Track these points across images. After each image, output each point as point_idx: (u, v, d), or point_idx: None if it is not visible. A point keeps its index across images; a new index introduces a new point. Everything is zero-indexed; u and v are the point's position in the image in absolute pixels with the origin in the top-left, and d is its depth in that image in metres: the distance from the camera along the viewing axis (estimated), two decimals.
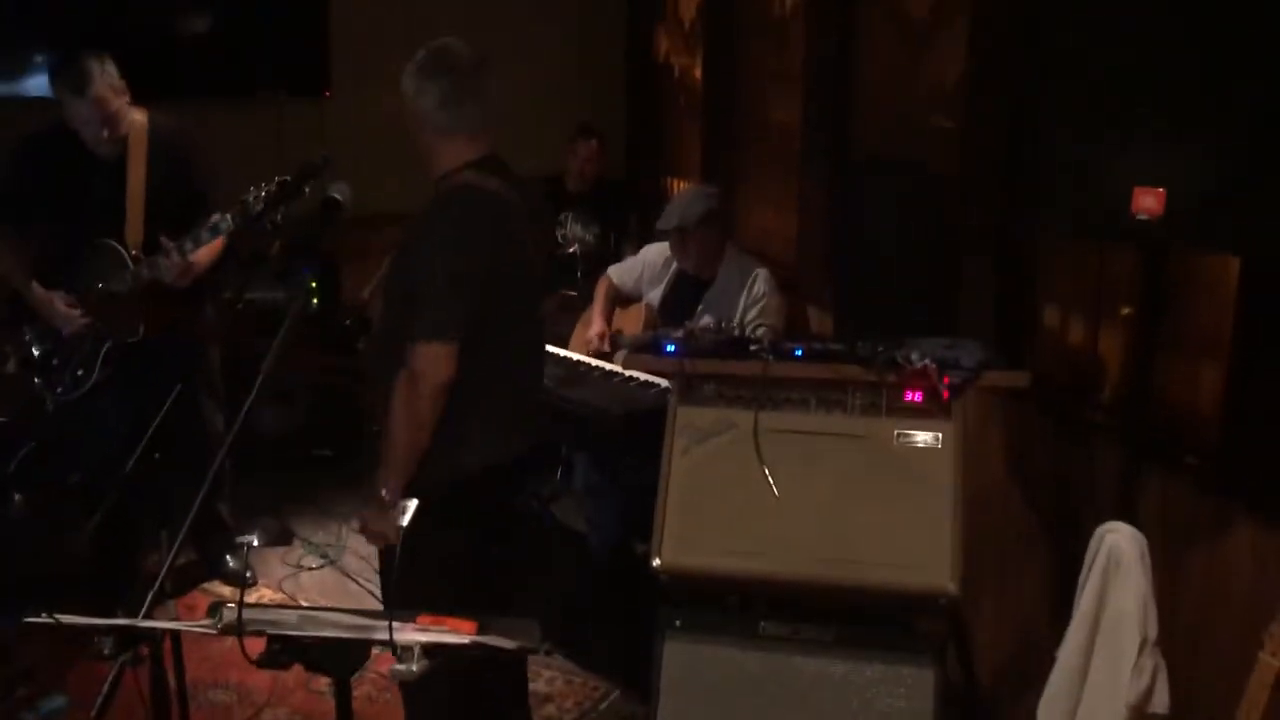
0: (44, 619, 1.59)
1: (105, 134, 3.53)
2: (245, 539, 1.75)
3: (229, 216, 3.34)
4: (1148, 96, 2.09)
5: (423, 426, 2.53)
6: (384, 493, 2.54)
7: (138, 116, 3.63)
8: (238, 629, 1.58)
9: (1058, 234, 2.56)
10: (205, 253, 3.55)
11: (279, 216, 3.02)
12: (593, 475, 4.07)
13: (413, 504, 1.74)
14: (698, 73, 5.36)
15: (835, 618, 2.68)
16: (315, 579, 4.23)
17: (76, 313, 3.59)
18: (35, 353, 3.67)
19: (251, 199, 3.20)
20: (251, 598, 4.02)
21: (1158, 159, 2.09)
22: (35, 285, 3.61)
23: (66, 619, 1.60)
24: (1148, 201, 2.10)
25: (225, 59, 5.48)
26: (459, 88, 2.56)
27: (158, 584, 1.92)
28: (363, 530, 2.72)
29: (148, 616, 1.88)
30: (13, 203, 3.66)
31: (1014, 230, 2.97)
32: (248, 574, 4.11)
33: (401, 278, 2.59)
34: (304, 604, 4.03)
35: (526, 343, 2.81)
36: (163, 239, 3.47)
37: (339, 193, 2.44)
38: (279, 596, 4.11)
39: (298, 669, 3.20)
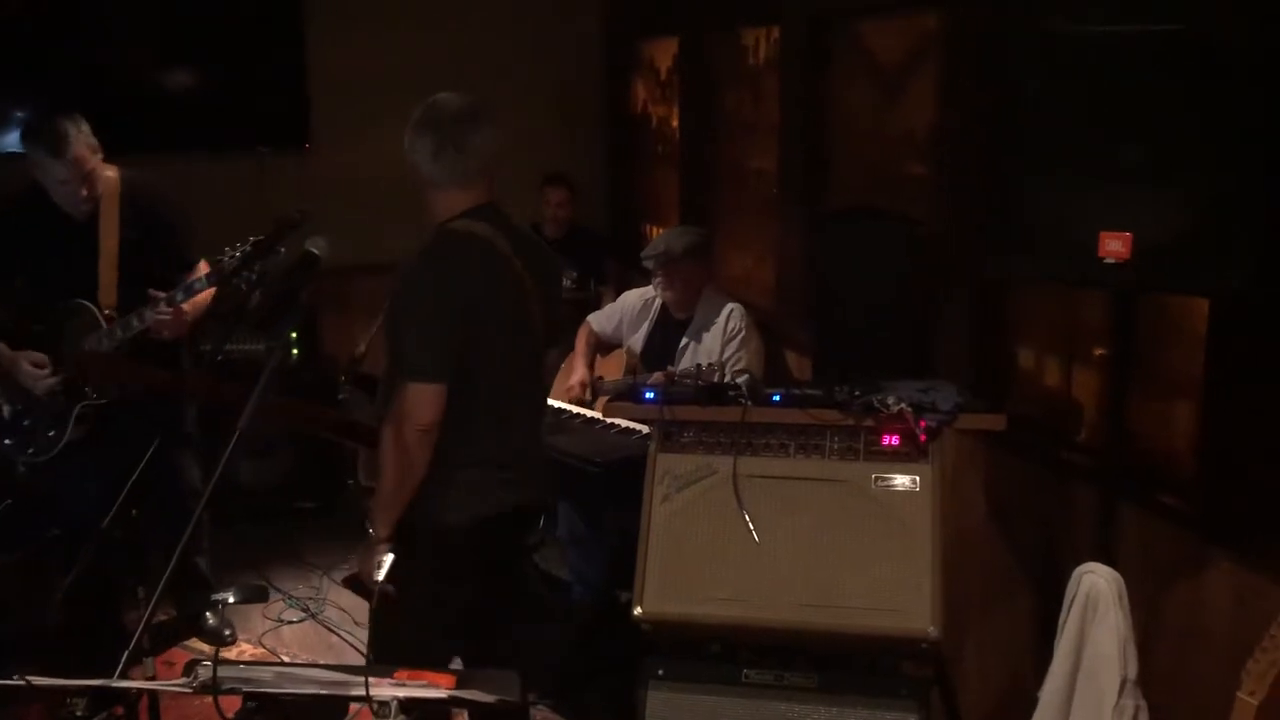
0: (14, 681, 1.57)
1: (84, 193, 3.50)
2: (220, 597, 1.74)
3: (204, 277, 3.35)
4: (1115, 141, 2.12)
5: (409, 467, 2.56)
6: (370, 529, 2.56)
7: (109, 173, 3.60)
8: (213, 688, 1.57)
9: (1029, 278, 2.59)
10: (197, 304, 3.51)
11: (256, 272, 3.02)
12: (576, 524, 4.07)
13: (389, 558, 1.74)
14: (675, 122, 5.42)
15: (818, 663, 2.68)
16: (296, 633, 4.19)
17: (45, 372, 3.54)
18: (4, 413, 3.61)
19: (226, 258, 3.20)
20: (231, 653, 3.98)
21: (1125, 203, 2.13)
22: (2, 346, 3.56)
23: (38, 680, 1.59)
24: (1114, 245, 2.13)
25: (205, 113, 5.51)
26: (447, 140, 2.61)
27: (134, 642, 1.91)
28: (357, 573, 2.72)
29: (123, 675, 1.87)
30: None
31: (988, 275, 3.00)
32: (227, 632, 4.07)
33: (391, 325, 2.63)
34: (284, 658, 3.99)
35: (527, 390, 2.81)
36: (151, 291, 3.44)
37: (316, 247, 2.45)
38: (259, 652, 4.06)
39: None
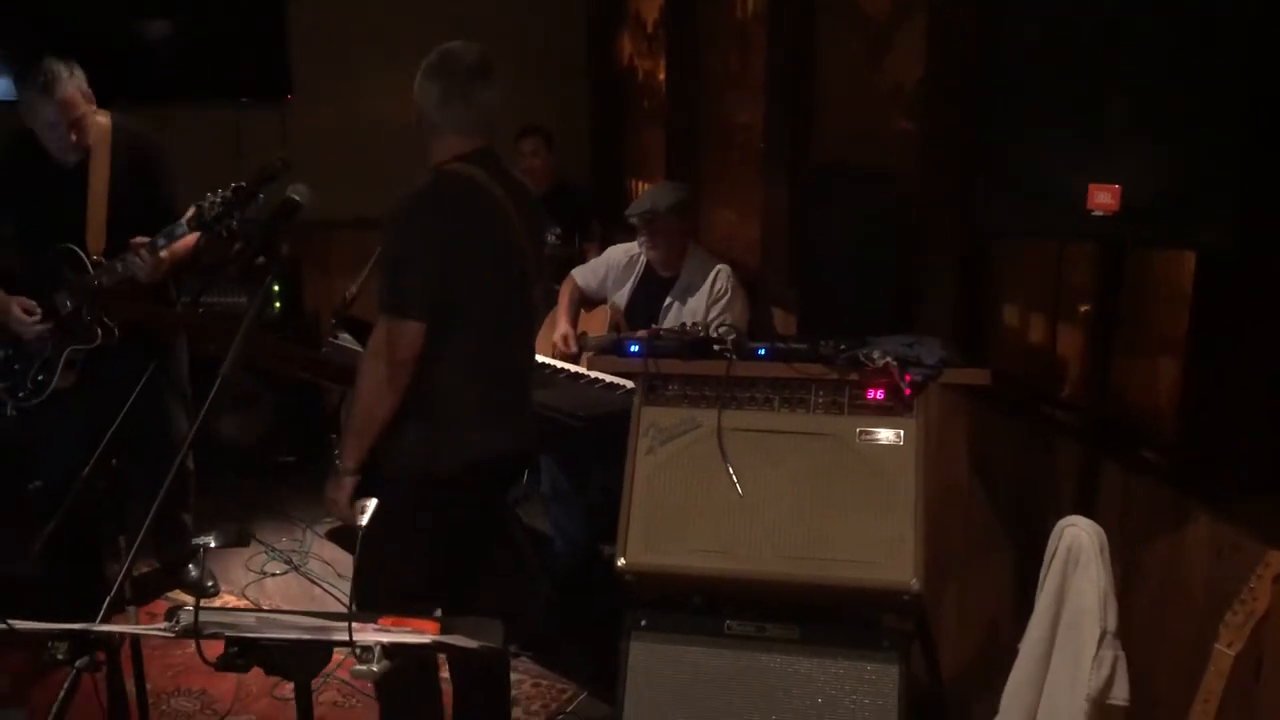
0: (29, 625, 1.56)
1: (72, 139, 3.48)
2: (201, 541, 1.73)
3: (184, 222, 3.33)
4: (1104, 94, 2.11)
5: (381, 400, 2.58)
6: (337, 460, 2.60)
7: (100, 120, 3.58)
8: (194, 632, 1.56)
9: (1015, 233, 2.58)
10: (176, 250, 3.51)
11: (236, 220, 2.99)
12: (558, 479, 4.07)
13: (371, 503, 1.73)
14: (661, 76, 5.37)
15: (800, 616, 2.69)
16: (279, 585, 4.19)
17: (34, 319, 3.54)
18: None
19: (207, 204, 3.17)
20: (214, 605, 3.97)
21: (1113, 158, 2.11)
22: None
23: (20, 624, 1.58)
24: (1103, 198, 2.12)
25: (185, 63, 5.45)
26: (455, 91, 2.65)
27: (115, 588, 1.90)
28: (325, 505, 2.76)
29: (104, 622, 1.86)
30: None
31: (974, 230, 2.99)
32: (209, 583, 4.07)
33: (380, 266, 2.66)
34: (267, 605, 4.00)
35: (518, 338, 2.83)
36: (134, 239, 3.43)
37: (298, 193, 2.41)
38: (242, 603, 4.06)
39: (261, 676, 3.19)
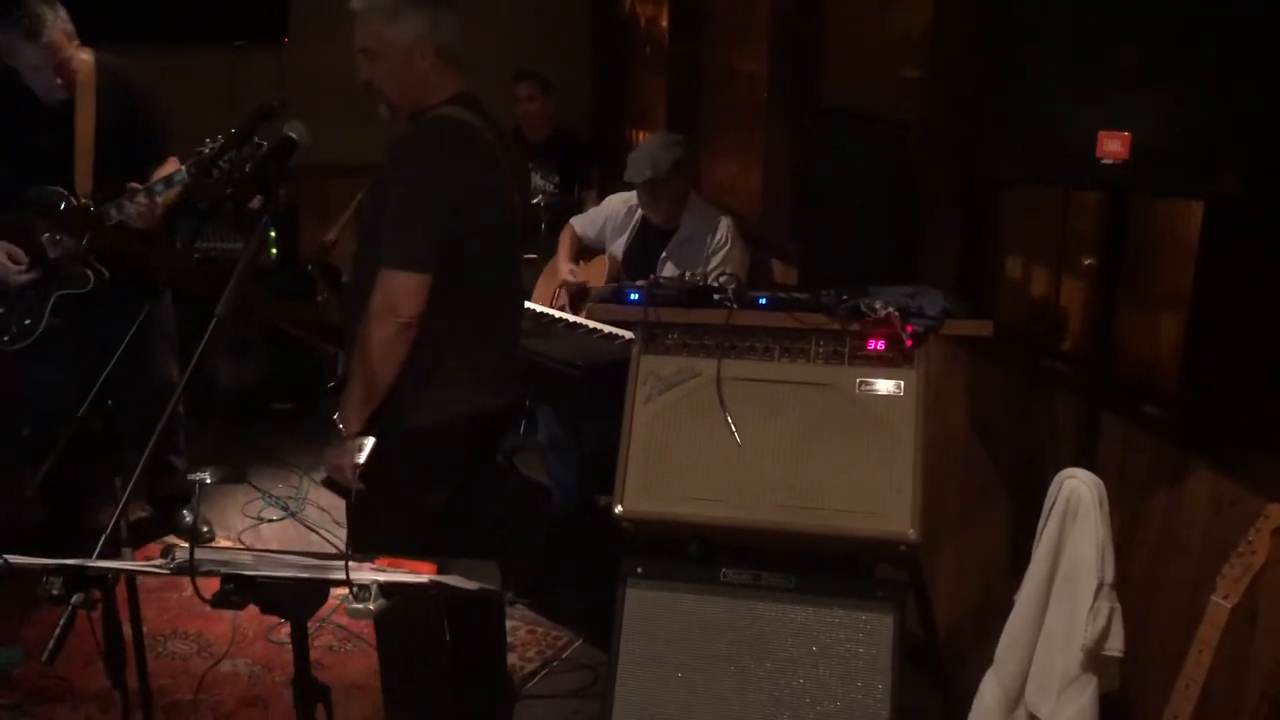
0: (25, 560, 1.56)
1: (58, 81, 3.43)
2: (197, 477, 1.72)
3: (184, 169, 3.29)
4: (1114, 41, 2.08)
5: (388, 361, 2.47)
6: (339, 425, 2.48)
7: (85, 57, 3.51)
8: (190, 569, 1.55)
9: (1023, 178, 2.55)
10: (170, 196, 3.46)
11: (229, 161, 2.96)
12: (556, 429, 4.06)
13: (369, 441, 1.72)
14: (664, 23, 5.30)
15: (796, 565, 2.69)
16: (275, 531, 4.19)
17: (20, 266, 3.48)
18: None
19: (208, 150, 3.14)
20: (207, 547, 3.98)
21: (1122, 104, 2.08)
22: None
23: (16, 560, 1.57)
24: (1113, 145, 2.09)
25: (179, 4, 5.36)
26: (440, 20, 2.53)
27: (110, 527, 1.89)
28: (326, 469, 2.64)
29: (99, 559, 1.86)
30: None
31: (979, 179, 2.96)
32: (204, 528, 4.07)
33: (375, 213, 2.53)
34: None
35: (508, 290, 2.77)
36: (131, 184, 3.39)
37: (295, 131, 2.38)
38: (237, 548, 4.07)
39: (258, 619, 3.20)
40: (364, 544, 2.32)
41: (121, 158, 3.47)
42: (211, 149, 3.15)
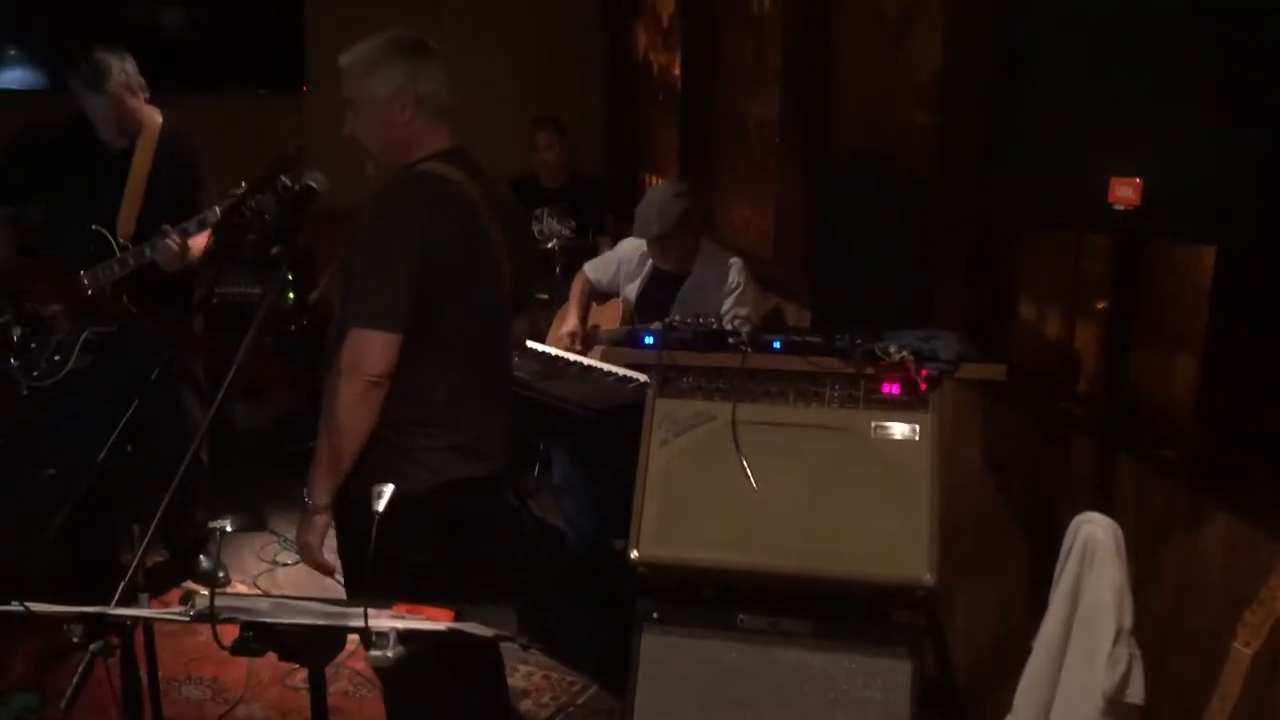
0: (13, 607, 1.56)
1: (117, 130, 3.58)
2: (217, 525, 1.73)
3: (216, 209, 3.38)
4: (1125, 85, 2.10)
5: (355, 422, 2.35)
6: (307, 497, 2.39)
7: (154, 116, 3.68)
8: (210, 616, 1.56)
9: (1034, 225, 2.56)
10: (199, 242, 3.56)
11: (251, 208, 2.99)
12: (570, 471, 4.07)
13: (388, 488, 1.72)
14: (676, 69, 5.36)
15: (813, 610, 2.68)
16: (291, 575, 4.20)
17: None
18: (15, 335, 3.66)
19: (237, 198, 3.18)
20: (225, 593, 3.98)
21: (1134, 149, 2.10)
22: (21, 266, 3.65)
23: (37, 607, 1.58)
24: (1124, 192, 2.11)
25: (202, 53, 5.46)
26: (417, 70, 2.48)
27: (129, 574, 1.90)
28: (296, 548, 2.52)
29: (119, 607, 1.86)
30: (14, 187, 3.68)
31: (991, 222, 2.98)
32: (221, 573, 4.08)
33: (349, 269, 2.45)
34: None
35: (493, 357, 2.70)
36: (164, 226, 3.49)
37: (316, 181, 2.42)
38: (254, 593, 4.07)
39: (273, 664, 3.19)
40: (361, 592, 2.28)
41: (165, 213, 3.56)
42: (238, 195, 3.20)
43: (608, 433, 3.52)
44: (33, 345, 3.63)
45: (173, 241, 3.46)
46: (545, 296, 4.94)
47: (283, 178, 2.94)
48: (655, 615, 2.75)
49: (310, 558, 2.48)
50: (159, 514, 2.07)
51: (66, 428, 3.70)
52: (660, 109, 5.61)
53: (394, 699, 2.75)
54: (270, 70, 5.55)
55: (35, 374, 3.62)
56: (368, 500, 2.02)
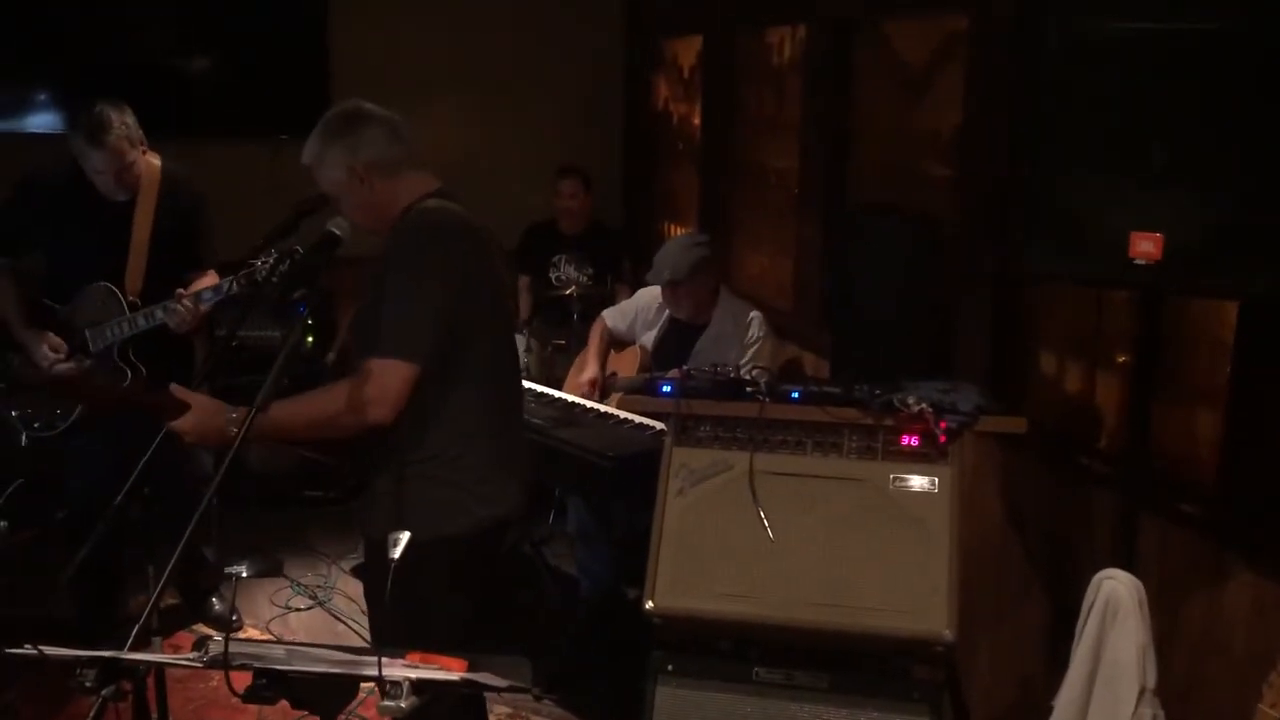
0: (27, 650, 1.56)
1: (115, 185, 3.51)
2: (233, 570, 1.72)
3: (232, 281, 3.33)
4: (1146, 141, 2.10)
5: (334, 433, 2.41)
6: (232, 413, 2.33)
7: (152, 161, 3.62)
8: (223, 663, 1.55)
9: (1055, 279, 2.56)
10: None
11: (272, 254, 3.01)
12: (585, 519, 4.05)
13: (404, 536, 1.72)
14: (696, 119, 5.40)
15: (830, 664, 2.65)
16: (303, 620, 4.17)
17: (58, 356, 3.53)
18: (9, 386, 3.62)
19: (259, 265, 3.16)
20: (240, 638, 3.96)
21: (1155, 204, 2.10)
22: (22, 320, 3.57)
23: (50, 650, 1.57)
24: (1145, 246, 2.10)
25: (224, 98, 5.52)
26: (393, 131, 2.51)
27: (143, 618, 1.89)
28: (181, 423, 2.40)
29: (132, 652, 1.85)
30: (14, 237, 3.64)
31: (1011, 275, 2.97)
32: (234, 617, 4.06)
33: (372, 310, 2.44)
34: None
35: (516, 376, 2.75)
36: (179, 290, 3.46)
37: (338, 227, 2.43)
38: (266, 638, 4.05)
39: (284, 711, 3.15)
40: (390, 638, 2.26)
41: (170, 262, 3.54)
42: (264, 264, 3.16)
43: (624, 480, 3.51)
44: (39, 397, 3.59)
45: (184, 307, 3.42)
46: (562, 342, 4.95)
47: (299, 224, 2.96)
48: (670, 667, 2.71)
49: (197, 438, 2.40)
50: (174, 558, 2.06)
51: (78, 472, 3.68)
52: (679, 159, 5.65)
53: None
54: (294, 116, 5.60)
55: (36, 425, 3.59)
56: (429, 540, 2.06)
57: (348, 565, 4.53)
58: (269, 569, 4.36)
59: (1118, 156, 2.15)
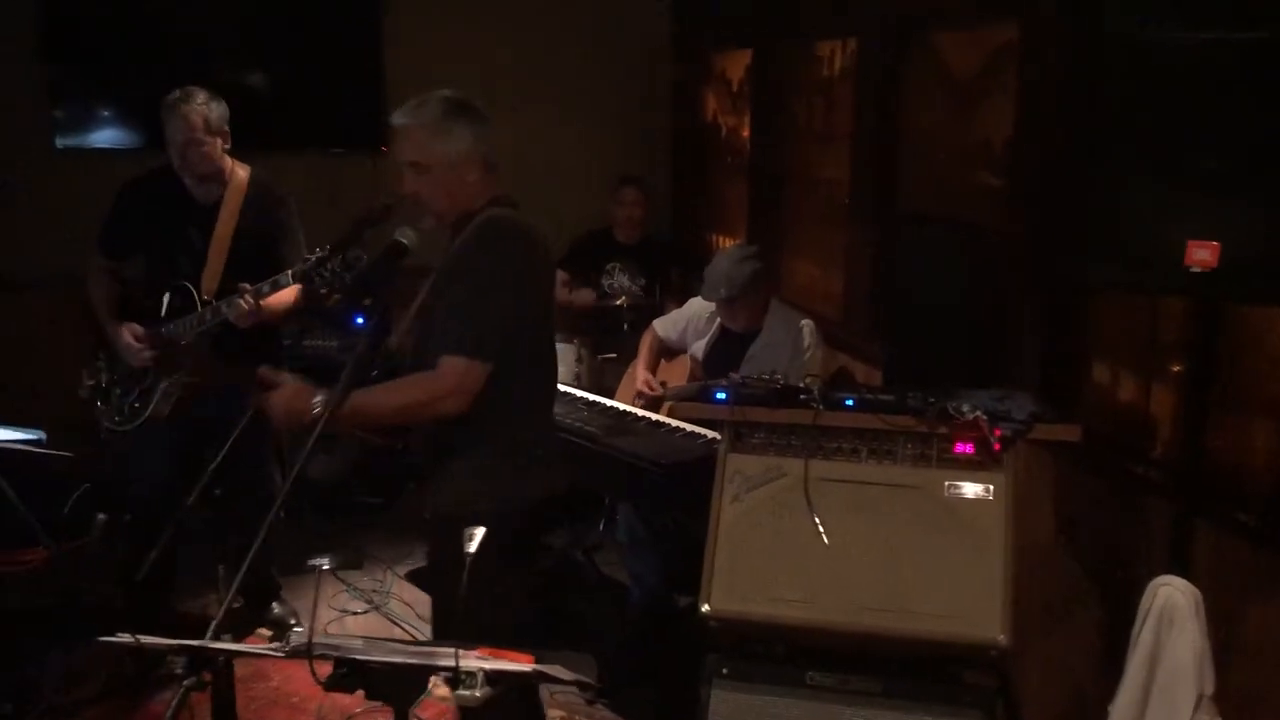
0: (125, 639, 1.63)
1: (182, 163, 3.61)
2: (317, 562, 1.79)
3: (289, 274, 3.43)
4: (1201, 149, 2.12)
5: (409, 422, 2.69)
6: (316, 405, 2.47)
7: (240, 171, 3.75)
8: (306, 652, 1.61)
9: (1110, 287, 2.58)
10: (275, 300, 3.59)
11: (337, 266, 3.09)
12: (635, 526, 4.09)
13: (480, 531, 1.77)
14: (745, 132, 5.45)
15: (883, 669, 2.68)
16: (360, 624, 4.24)
17: (141, 345, 3.67)
18: (101, 380, 3.80)
19: (315, 259, 3.26)
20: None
21: (1212, 212, 2.12)
22: (110, 314, 3.73)
23: (146, 639, 1.64)
24: (1201, 254, 2.12)
25: (281, 112, 5.63)
26: (480, 131, 2.68)
27: (220, 614, 1.95)
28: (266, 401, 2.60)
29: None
30: (115, 239, 3.78)
31: (1064, 283, 2.99)
32: (292, 621, 4.13)
33: (441, 305, 2.63)
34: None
35: (554, 380, 2.92)
36: (242, 284, 3.54)
37: (405, 237, 2.50)
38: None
39: (343, 712, 3.22)
40: (456, 628, 2.35)
41: (251, 265, 3.61)
42: (318, 255, 3.28)
43: (675, 488, 3.55)
44: (117, 391, 3.75)
45: (245, 301, 3.50)
46: (614, 355, 5.00)
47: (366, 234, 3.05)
48: (725, 671, 2.75)
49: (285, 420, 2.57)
50: (249, 559, 2.13)
51: (144, 475, 3.77)
52: (728, 170, 5.70)
53: None
54: (349, 131, 5.71)
55: (117, 419, 3.73)
56: (492, 512, 2.21)
57: (403, 571, 4.61)
58: (351, 561, 4.45)
59: (1174, 165, 2.16)
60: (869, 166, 4.16)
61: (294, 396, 2.54)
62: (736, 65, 5.53)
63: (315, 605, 3.83)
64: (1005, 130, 3.36)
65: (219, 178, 3.71)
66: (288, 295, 3.60)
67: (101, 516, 3.93)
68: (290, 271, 3.45)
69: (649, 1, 6.08)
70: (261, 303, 3.54)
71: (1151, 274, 2.24)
